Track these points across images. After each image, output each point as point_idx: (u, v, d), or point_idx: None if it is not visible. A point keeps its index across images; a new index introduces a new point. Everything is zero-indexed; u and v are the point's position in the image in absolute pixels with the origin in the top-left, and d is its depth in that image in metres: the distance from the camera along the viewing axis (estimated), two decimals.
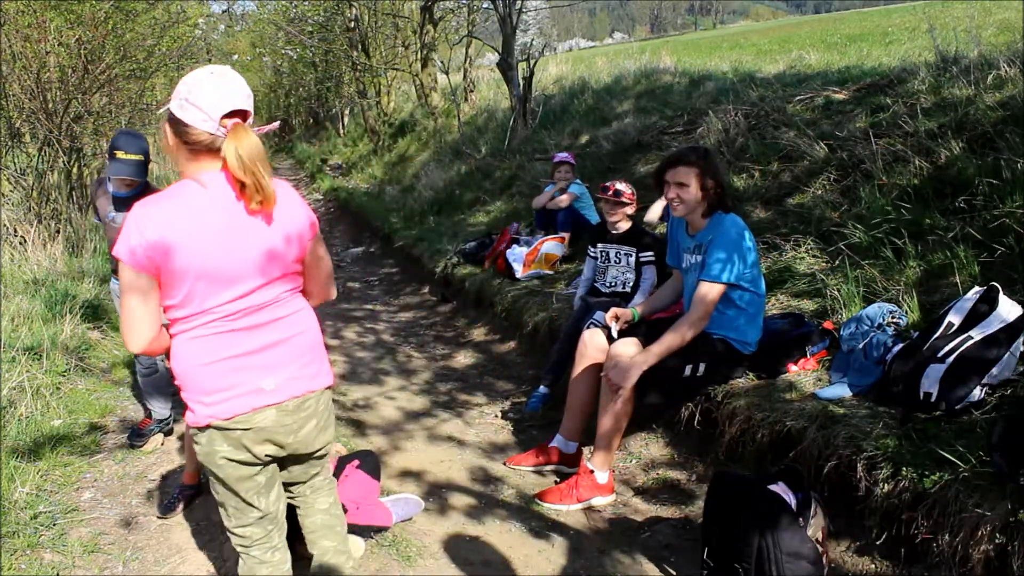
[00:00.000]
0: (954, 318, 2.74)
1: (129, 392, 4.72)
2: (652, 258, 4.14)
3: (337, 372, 4.87)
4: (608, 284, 4.24)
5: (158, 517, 3.21)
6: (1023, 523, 2.05)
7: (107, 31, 7.49)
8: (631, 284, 4.21)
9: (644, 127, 7.39)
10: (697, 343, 3.14)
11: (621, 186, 4.23)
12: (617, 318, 3.31)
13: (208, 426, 1.87)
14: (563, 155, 6.11)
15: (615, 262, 4.23)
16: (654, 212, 4.77)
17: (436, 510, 3.17)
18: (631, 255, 4.19)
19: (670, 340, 3.02)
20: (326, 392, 2.05)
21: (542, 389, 4.17)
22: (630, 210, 4.28)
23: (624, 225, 4.25)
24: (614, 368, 3.04)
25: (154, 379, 3.88)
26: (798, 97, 6.02)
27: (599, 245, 4.37)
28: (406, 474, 3.50)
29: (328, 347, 2.89)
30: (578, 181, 5.95)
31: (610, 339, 3.27)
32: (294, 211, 1.93)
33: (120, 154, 3.42)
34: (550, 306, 4.95)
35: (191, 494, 3.28)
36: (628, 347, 3.12)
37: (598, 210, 4.35)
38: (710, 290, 3.02)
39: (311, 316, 2.04)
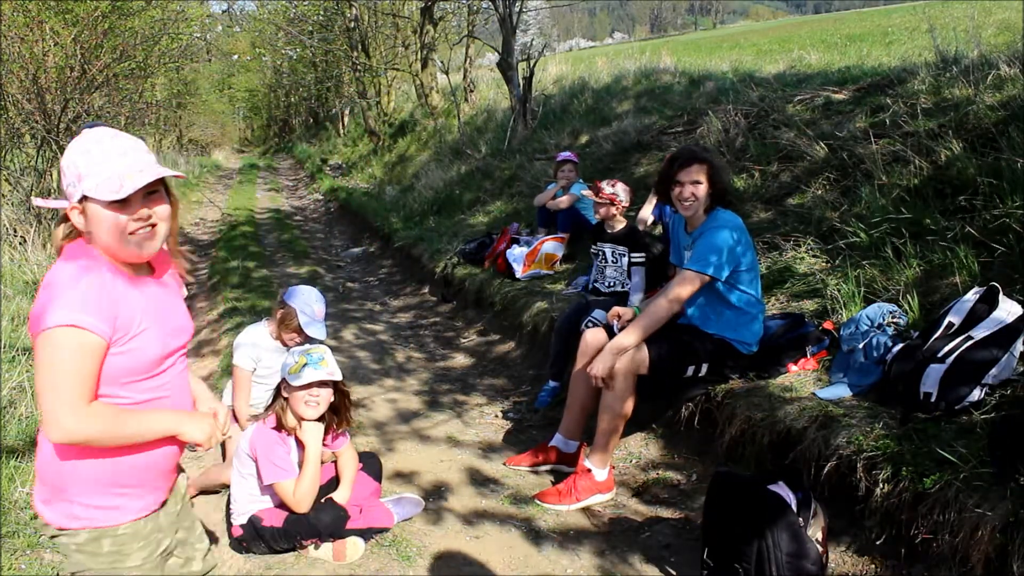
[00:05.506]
0: (954, 318, 2.74)
1: None
2: (642, 260, 4.12)
3: None
4: (608, 284, 4.23)
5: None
6: (1023, 523, 2.05)
7: (104, 30, 7.48)
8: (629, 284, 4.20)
9: (644, 127, 7.38)
10: (698, 344, 3.15)
11: (610, 188, 4.19)
12: (619, 316, 3.31)
13: None
14: (567, 154, 6.12)
15: (611, 262, 4.21)
16: (645, 212, 4.76)
17: (436, 510, 3.17)
18: (624, 255, 4.16)
19: (642, 326, 3.03)
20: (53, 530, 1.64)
21: (551, 384, 4.18)
22: (615, 209, 4.25)
23: (618, 224, 4.21)
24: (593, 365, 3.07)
25: None
26: (798, 97, 6.01)
27: (597, 243, 4.37)
28: (406, 475, 3.50)
29: (328, 348, 2.88)
30: (580, 181, 5.95)
31: (612, 337, 3.27)
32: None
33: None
34: (550, 306, 4.95)
35: None
36: None
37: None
38: (689, 278, 3.03)
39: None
